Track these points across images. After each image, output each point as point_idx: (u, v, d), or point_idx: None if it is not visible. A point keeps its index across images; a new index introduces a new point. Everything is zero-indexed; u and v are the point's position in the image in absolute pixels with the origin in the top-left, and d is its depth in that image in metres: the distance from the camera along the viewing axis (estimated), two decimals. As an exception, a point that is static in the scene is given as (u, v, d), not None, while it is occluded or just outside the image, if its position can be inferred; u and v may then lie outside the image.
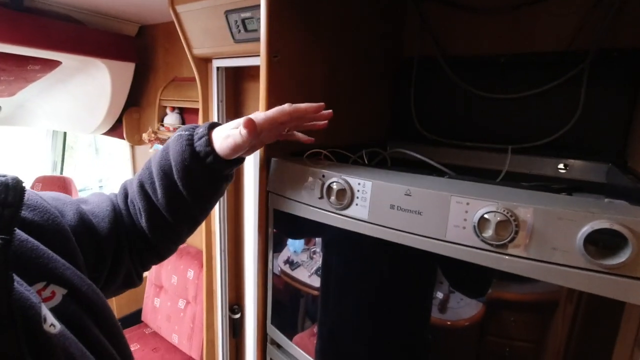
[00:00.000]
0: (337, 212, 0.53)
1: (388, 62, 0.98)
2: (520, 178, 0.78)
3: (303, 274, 0.64)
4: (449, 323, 0.48)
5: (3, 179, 0.34)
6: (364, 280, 0.54)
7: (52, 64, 1.57)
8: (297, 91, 0.69)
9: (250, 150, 0.56)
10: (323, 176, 0.54)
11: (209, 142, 0.51)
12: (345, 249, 0.56)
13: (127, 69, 1.69)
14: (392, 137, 1.01)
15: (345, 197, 0.51)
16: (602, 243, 0.36)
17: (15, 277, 0.32)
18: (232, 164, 0.54)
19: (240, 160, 0.56)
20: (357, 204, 0.50)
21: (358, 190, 0.50)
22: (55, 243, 0.41)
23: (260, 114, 0.52)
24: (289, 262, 0.66)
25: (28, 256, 0.36)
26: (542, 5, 0.82)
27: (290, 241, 0.65)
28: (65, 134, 2.71)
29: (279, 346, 0.70)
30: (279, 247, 0.67)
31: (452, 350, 0.50)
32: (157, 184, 0.53)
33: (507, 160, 0.75)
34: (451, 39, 0.94)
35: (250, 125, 0.49)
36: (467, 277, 0.45)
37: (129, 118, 1.83)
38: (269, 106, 0.64)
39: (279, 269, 0.67)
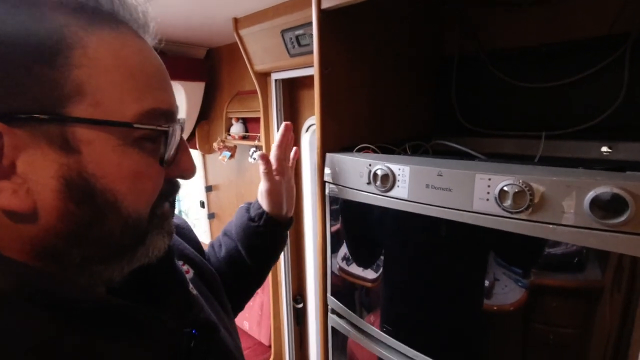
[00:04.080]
0: (382, 194, 0.63)
1: (429, 61, 1.06)
2: (561, 163, 0.82)
3: (357, 268, 0.75)
4: (495, 308, 0.55)
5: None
6: (418, 258, 0.63)
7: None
8: (345, 97, 0.81)
9: (289, 199, 0.69)
10: (370, 165, 0.65)
11: (260, 206, 0.66)
12: (398, 230, 0.66)
13: (199, 88, 1.93)
14: (437, 131, 1.08)
15: (388, 180, 0.61)
16: (606, 205, 0.42)
17: None
18: (281, 224, 0.67)
19: (289, 223, 0.70)
20: (398, 186, 0.60)
21: (399, 175, 0.60)
22: (188, 240, 0.58)
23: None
24: (346, 258, 0.78)
25: (172, 243, 0.50)
26: (580, -7, 0.85)
27: (347, 239, 0.76)
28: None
29: (339, 315, 0.82)
30: (337, 246, 0.79)
31: (500, 334, 0.56)
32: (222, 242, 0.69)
33: (541, 146, 0.80)
34: (490, 34, 0.99)
35: (263, 156, 0.65)
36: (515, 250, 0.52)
37: (200, 130, 2.08)
38: (323, 111, 0.77)
39: (338, 266, 0.79)
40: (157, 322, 0.37)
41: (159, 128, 0.34)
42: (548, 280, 0.50)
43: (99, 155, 0.31)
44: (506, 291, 0.53)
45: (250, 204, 0.69)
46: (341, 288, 0.80)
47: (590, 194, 0.43)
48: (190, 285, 0.46)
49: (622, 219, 0.41)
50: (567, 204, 0.45)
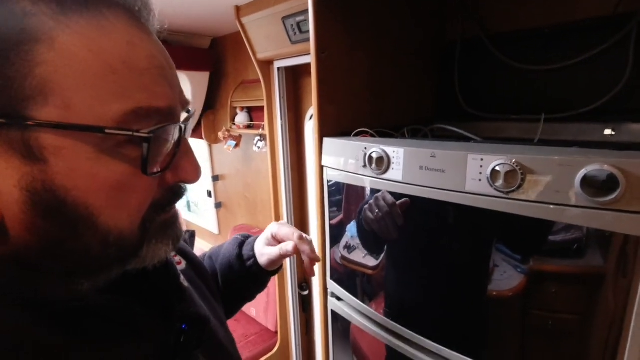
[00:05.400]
0: (378, 176, 0.64)
1: (430, 45, 1.05)
2: (559, 145, 0.81)
3: (358, 256, 0.76)
4: (494, 293, 0.55)
5: None
6: (419, 242, 0.63)
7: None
8: (344, 81, 0.81)
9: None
10: (365, 148, 0.65)
11: (254, 252, 0.62)
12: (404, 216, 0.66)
13: (204, 78, 1.94)
14: (438, 117, 1.07)
15: (383, 163, 0.62)
16: (597, 183, 0.42)
17: None
18: (269, 272, 0.63)
19: (276, 271, 0.65)
20: (393, 168, 0.61)
21: (393, 157, 0.60)
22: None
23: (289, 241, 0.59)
24: (347, 246, 0.79)
25: None
26: (583, -27, 0.83)
27: (348, 226, 0.77)
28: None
29: (338, 298, 0.83)
30: (339, 233, 0.79)
31: (500, 319, 0.56)
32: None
33: (540, 128, 0.79)
34: (493, 17, 0.98)
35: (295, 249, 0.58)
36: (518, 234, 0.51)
37: (206, 120, 2.10)
38: (320, 95, 0.77)
39: (340, 254, 0.80)
40: (146, 318, 0.35)
41: (135, 134, 0.28)
42: (547, 266, 0.49)
43: (69, 165, 0.27)
44: (505, 277, 0.53)
45: (246, 237, 0.66)
46: (343, 275, 0.81)
47: (582, 172, 0.43)
48: (182, 277, 0.44)
49: (613, 196, 0.41)
50: (559, 182, 0.44)
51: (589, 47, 0.82)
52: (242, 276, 0.62)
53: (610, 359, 0.45)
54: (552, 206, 0.45)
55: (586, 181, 0.42)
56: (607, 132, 0.79)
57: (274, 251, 0.60)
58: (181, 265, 0.50)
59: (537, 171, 0.46)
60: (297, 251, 0.58)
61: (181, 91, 0.34)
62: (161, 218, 0.34)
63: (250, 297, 0.68)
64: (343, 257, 0.79)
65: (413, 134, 0.85)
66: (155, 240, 0.34)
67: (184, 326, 0.38)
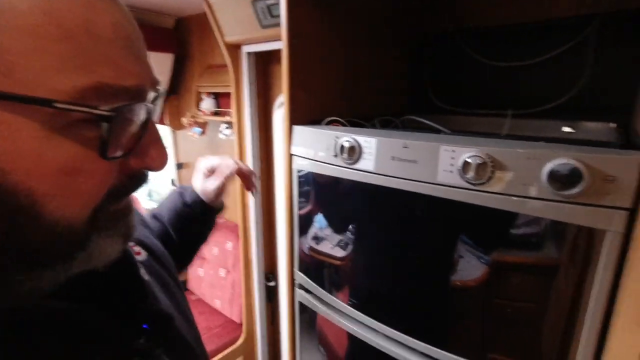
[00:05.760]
0: (349, 166, 0.62)
1: (404, 37, 1.05)
2: (525, 140, 0.84)
3: (327, 247, 0.75)
4: (458, 283, 0.56)
5: None
6: (385, 230, 0.64)
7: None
8: (316, 67, 0.78)
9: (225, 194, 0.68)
10: (337, 137, 0.63)
11: (197, 195, 0.64)
12: (366, 204, 0.66)
13: (167, 60, 1.84)
14: (410, 108, 1.08)
15: (355, 153, 0.60)
16: (563, 176, 0.43)
17: None
18: (216, 210, 0.66)
19: (221, 209, 0.68)
20: (364, 158, 0.60)
21: (365, 147, 0.59)
22: (140, 218, 0.53)
23: (227, 166, 0.63)
24: (316, 237, 0.77)
25: None
26: (551, -27, 0.85)
27: (317, 217, 0.76)
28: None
29: (306, 290, 0.82)
30: (307, 224, 0.78)
31: (462, 308, 0.58)
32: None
33: (507, 124, 0.81)
34: (465, 12, 0.99)
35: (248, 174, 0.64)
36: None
37: (169, 106, 1.99)
38: (292, 82, 0.74)
39: (308, 245, 0.79)
40: (101, 321, 0.32)
41: (95, 112, 0.25)
42: (509, 258, 0.51)
43: (9, 144, 0.23)
44: (469, 267, 0.54)
45: (183, 188, 0.67)
46: (310, 265, 0.80)
47: (548, 166, 0.43)
48: (142, 270, 0.41)
49: (576, 190, 0.42)
50: (527, 175, 0.45)
51: (554, 46, 0.85)
52: (192, 220, 0.64)
53: (561, 344, 0.48)
54: (520, 199, 0.46)
55: (552, 174, 0.43)
56: (567, 129, 0.82)
57: (217, 181, 0.62)
58: (141, 255, 0.47)
59: (507, 164, 0.46)
60: (237, 171, 0.62)
61: (150, 67, 0.30)
62: (113, 208, 0.30)
63: (205, 238, 0.70)
64: (311, 248, 0.78)
65: (384, 124, 0.84)
66: (105, 232, 0.30)
67: (145, 326, 0.36)
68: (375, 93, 0.97)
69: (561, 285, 0.47)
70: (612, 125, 0.77)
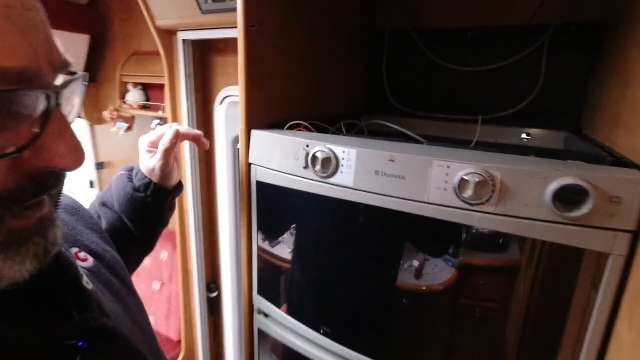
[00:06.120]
0: (323, 180, 0.54)
1: (363, 35, 0.99)
2: (489, 147, 0.83)
3: (283, 251, 0.66)
4: (424, 288, 0.52)
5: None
6: (336, 244, 0.59)
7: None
8: (277, 62, 0.69)
9: (179, 169, 0.63)
10: (307, 146, 0.55)
11: (145, 176, 0.58)
12: (322, 217, 0.59)
13: (82, 42, 1.57)
14: (367, 110, 1.02)
15: (330, 165, 0.52)
16: (568, 197, 0.40)
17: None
18: (171, 192, 0.62)
19: (179, 189, 0.64)
20: (342, 172, 0.52)
21: (343, 159, 0.51)
22: (84, 221, 0.49)
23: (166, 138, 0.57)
24: (275, 255, 0.68)
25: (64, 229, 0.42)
26: (509, -21, 0.85)
27: (277, 233, 0.66)
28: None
29: (266, 315, 0.72)
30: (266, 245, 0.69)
31: (429, 313, 0.55)
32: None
33: (478, 130, 0.79)
34: (423, 12, 0.95)
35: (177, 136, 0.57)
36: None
37: (87, 96, 1.72)
38: (248, 78, 0.63)
39: (258, 246, 0.69)
40: (25, 343, 0.30)
41: None
42: (476, 260, 0.49)
43: None
44: (436, 271, 0.51)
45: (130, 171, 0.61)
46: (265, 273, 0.71)
47: (554, 185, 0.40)
48: (85, 280, 0.37)
49: (583, 212, 0.39)
50: (529, 195, 0.41)
51: (509, 53, 0.85)
52: (146, 205, 0.58)
53: (520, 341, 0.48)
54: (522, 220, 0.42)
55: (557, 194, 0.40)
56: (523, 136, 0.84)
57: (158, 156, 0.56)
58: (87, 262, 0.43)
59: (508, 183, 0.42)
60: (179, 135, 0.56)
61: (52, 47, 0.26)
62: (18, 223, 0.26)
63: (164, 223, 0.65)
64: (263, 249, 0.69)
65: (348, 128, 0.77)
66: (5, 255, 0.26)
67: (80, 343, 0.33)
68: (335, 92, 0.89)
69: (519, 285, 0.46)
70: (564, 133, 0.80)
